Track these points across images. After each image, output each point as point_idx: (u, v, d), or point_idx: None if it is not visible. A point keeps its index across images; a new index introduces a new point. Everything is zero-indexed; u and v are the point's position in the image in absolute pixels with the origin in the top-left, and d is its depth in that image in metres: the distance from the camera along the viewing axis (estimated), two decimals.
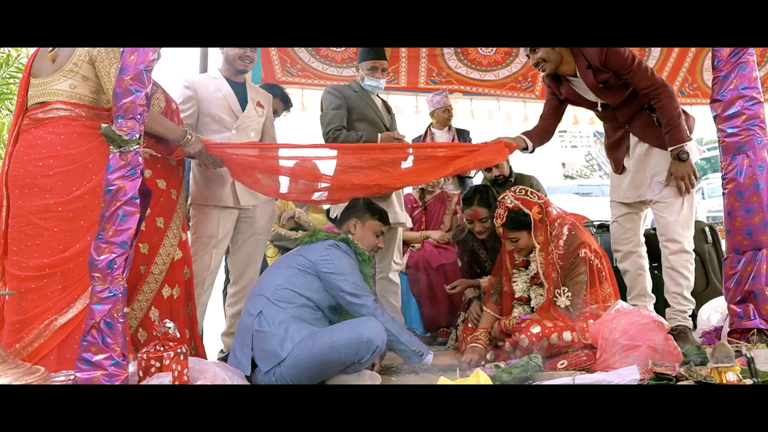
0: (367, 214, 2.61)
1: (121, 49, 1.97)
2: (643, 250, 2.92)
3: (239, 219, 2.86)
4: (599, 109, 2.91)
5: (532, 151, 2.95)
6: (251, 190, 2.80)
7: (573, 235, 2.52)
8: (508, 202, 2.59)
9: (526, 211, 2.56)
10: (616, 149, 2.94)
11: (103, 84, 2.17)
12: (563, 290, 2.44)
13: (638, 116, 2.79)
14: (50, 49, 2.21)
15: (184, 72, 2.93)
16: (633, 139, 2.84)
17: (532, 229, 2.55)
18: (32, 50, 2.32)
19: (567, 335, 2.29)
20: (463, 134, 4.49)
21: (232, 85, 2.86)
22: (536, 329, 2.32)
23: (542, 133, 3.05)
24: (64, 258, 2.05)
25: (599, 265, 2.47)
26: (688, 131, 2.75)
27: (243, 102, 2.87)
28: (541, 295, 2.54)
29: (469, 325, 2.89)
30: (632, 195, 2.86)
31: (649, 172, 2.77)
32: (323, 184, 2.96)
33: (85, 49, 2.16)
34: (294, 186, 3.15)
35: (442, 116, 4.31)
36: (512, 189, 2.67)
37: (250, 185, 2.76)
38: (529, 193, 2.62)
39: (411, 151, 3.01)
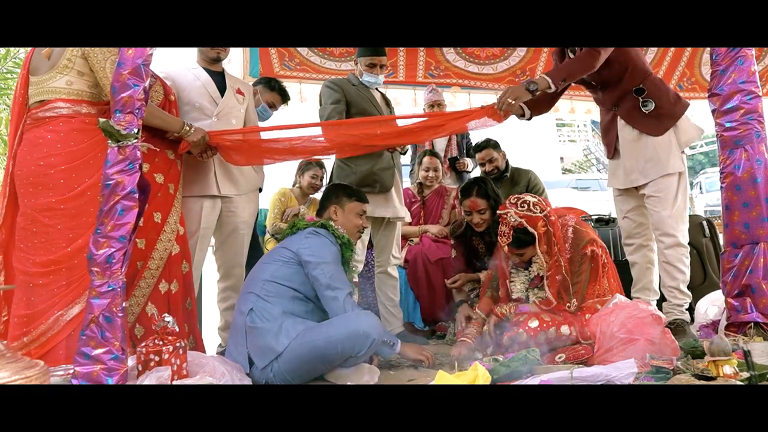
0: (344, 197, 2.60)
1: None
2: (654, 244, 2.90)
3: (222, 213, 2.82)
4: (593, 84, 2.92)
5: (530, 118, 2.88)
6: (231, 180, 2.80)
7: (578, 235, 2.50)
8: (512, 220, 2.47)
9: (531, 230, 2.46)
10: (606, 133, 2.96)
11: (99, 79, 2.18)
12: (572, 303, 2.43)
13: (625, 99, 2.80)
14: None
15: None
16: (620, 123, 2.85)
17: (537, 243, 2.47)
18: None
19: (565, 329, 2.29)
20: None
21: (209, 73, 2.83)
22: (534, 323, 2.33)
23: (541, 102, 2.97)
24: (68, 254, 2.07)
25: (605, 261, 2.47)
26: (672, 118, 2.74)
27: (222, 89, 2.83)
28: (541, 298, 2.52)
29: (458, 329, 2.87)
30: (625, 181, 2.87)
31: (642, 158, 2.78)
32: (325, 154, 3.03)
33: None
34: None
35: (430, 112, 4.34)
36: (514, 202, 2.53)
37: (248, 163, 2.79)
38: (531, 206, 2.49)
39: (403, 123, 2.99)
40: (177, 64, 2.84)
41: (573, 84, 3.09)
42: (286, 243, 2.42)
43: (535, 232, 2.46)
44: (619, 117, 2.85)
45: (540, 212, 2.48)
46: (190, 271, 2.57)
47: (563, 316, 2.36)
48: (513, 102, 2.61)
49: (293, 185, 4.20)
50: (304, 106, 4.47)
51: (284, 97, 3.53)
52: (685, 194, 2.73)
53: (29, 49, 2.31)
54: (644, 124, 2.75)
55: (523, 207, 2.49)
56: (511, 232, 2.48)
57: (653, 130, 2.73)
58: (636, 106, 2.76)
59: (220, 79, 2.86)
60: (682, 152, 2.77)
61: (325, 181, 4.04)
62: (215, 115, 2.76)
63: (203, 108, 2.75)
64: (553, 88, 2.64)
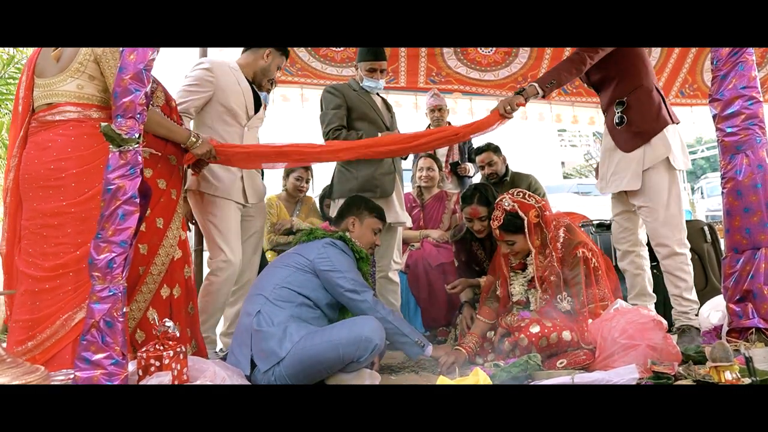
0: (365, 212, 2.61)
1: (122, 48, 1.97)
2: (643, 250, 2.92)
3: (245, 217, 2.87)
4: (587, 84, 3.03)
5: (544, 96, 2.79)
6: (255, 188, 2.85)
7: (569, 236, 2.51)
8: (506, 204, 2.57)
9: (522, 214, 2.53)
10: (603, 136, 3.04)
11: (108, 84, 2.17)
12: (564, 296, 2.44)
13: (610, 109, 2.85)
14: (53, 47, 2.20)
15: (184, 71, 2.85)
16: (605, 129, 2.93)
17: (528, 233, 2.53)
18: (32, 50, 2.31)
19: (566, 335, 2.29)
20: None
21: (249, 82, 2.85)
22: (536, 329, 2.33)
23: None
24: (76, 257, 2.06)
25: (596, 264, 2.47)
26: (644, 137, 2.72)
27: (257, 102, 2.87)
28: (540, 299, 2.52)
29: (464, 329, 2.87)
30: (599, 185, 2.97)
31: (610, 169, 2.84)
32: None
33: (89, 48, 2.16)
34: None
35: (432, 116, 4.36)
36: (510, 191, 2.64)
37: (247, 167, 2.80)
38: (526, 196, 2.60)
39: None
40: (221, 60, 2.82)
41: (573, 90, 3.11)
42: (301, 250, 2.42)
43: (526, 218, 2.52)
44: (605, 123, 2.92)
45: (535, 203, 2.57)
46: (192, 276, 2.58)
47: (564, 322, 2.36)
48: (510, 108, 2.67)
49: (282, 190, 4.15)
50: (305, 111, 4.48)
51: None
52: (677, 202, 2.71)
53: (31, 52, 2.31)
54: (617, 137, 2.81)
55: (519, 195, 2.60)
56: (503, 215, 2.55)
57: (623, 145, 2.77)
58: (614, 118, 2.80)
59: (254, 90, 2.89)
60: (676, 170, 2.72)
61: (311, 184, 4.02)
62: (246, 126, 2.78)
63: (237, 115, 2.75)
64: (541, 93, 2.70)
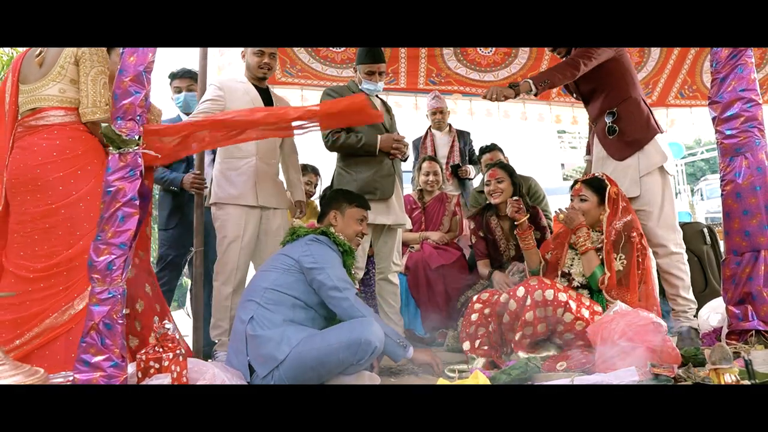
0: (345, 203, 2.59)
1: (105, 49, 1.98)
2: (647, 251, 2.92)
3: (263, 220, 2.91)
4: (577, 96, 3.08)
5: (536, 94, 2.80)
6: (266, 191, 2.89)
7: (631, 221, 2.58)
8: (596, 173, 2.74)
9: (606, 182, 2.64)
10: (589, 144, 3.12)
11: (80, 84, 2.18)
12: (619, 256, 2.51)
13: (600, 119, 2.88)
14: (36, 53, 2.22)
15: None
16: (595, 139, 2.97)
17: (606, 201, 2.60)
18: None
19: (549, 293, 2.36)
20: (463, 136, 4.54)
21: (257, 90, 2.93)
22: (521, 292, 2.42)
23: None
24: (68, 256, 2.08)
25: (640, 258, 2.52)
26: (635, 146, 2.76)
27: (269, 105, 2.93)
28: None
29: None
30: None
31: None
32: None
33: (71, 50, 2.17)
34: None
35: (433, 118, 4.36)
36: None
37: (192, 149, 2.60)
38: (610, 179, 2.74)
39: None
40: (228, 77, 2.97)
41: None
42: (287, 250, 2.41)
43: (609, 187, 2.63)
44: (595, 133, 2.96)
45: (618, 187, 2.70)
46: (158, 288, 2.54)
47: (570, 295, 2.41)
48: (496, 96, 2.70)
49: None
50: None
51: None
52: (671, 204, 2.76)
53: (15, 58, 2.32)
54: (609, 146, 2.85)
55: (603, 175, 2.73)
56: (593, 176, 2.73)
57: (615, 154, 2.82)
58: (604, 128, 2.84)
59: (266, 95, 2.96)
60: (663, 171, 2.77)
61: (320, 187, 4.05)
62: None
63: None
64: (534, 90, 2.72)
